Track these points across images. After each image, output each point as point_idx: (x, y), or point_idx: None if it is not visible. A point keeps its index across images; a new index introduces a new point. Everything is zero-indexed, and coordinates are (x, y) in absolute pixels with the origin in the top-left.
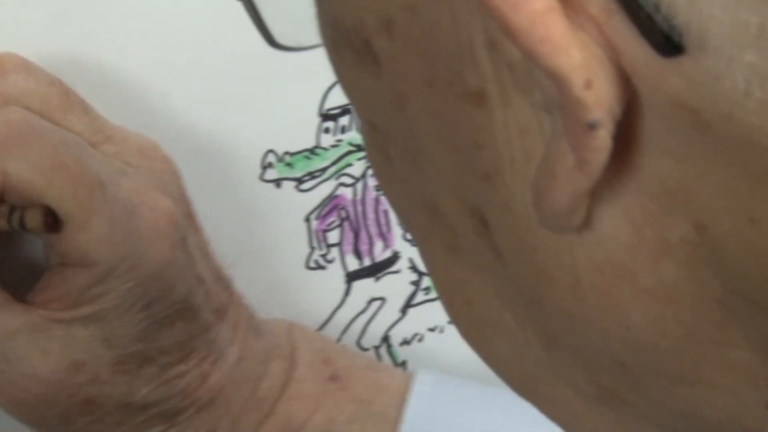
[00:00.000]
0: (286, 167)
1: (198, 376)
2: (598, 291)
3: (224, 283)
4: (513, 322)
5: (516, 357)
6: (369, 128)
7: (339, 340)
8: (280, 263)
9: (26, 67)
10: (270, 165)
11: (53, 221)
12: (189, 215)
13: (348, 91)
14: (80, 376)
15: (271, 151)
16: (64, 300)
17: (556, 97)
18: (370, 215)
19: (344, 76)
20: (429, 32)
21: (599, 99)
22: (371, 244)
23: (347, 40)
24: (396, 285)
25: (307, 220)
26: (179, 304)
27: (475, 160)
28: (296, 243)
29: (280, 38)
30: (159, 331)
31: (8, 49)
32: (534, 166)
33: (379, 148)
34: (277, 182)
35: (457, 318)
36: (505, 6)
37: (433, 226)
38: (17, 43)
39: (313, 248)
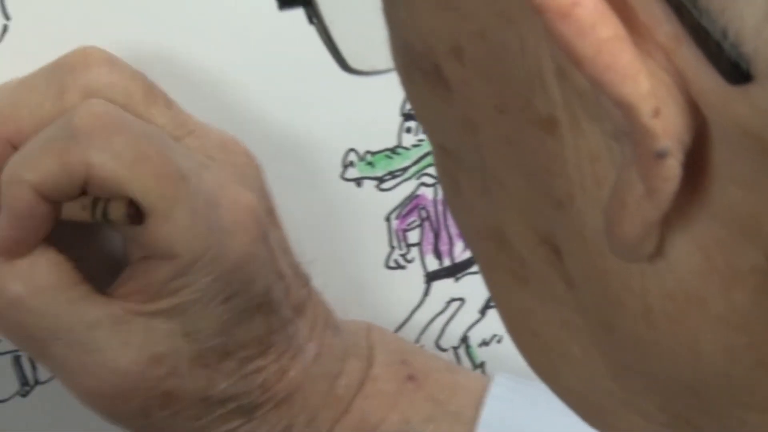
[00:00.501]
0: (367, 166)
1: (276, 371)
2: (669, 318)
3: (303, 279)
4: (580, 352)
5: (585, 387)
6: (440, 153)
7: (417, 340)
8: (359, 262)
9: (110, 60)
10: (351, 164)
11: (136, 213)
12: (270, 211)
13: (419, 114)
14: (160, 369)
15: (352, 149)
16: (146, 292)
17: (625, 126)
18: (451, 215)
19: (416, 100)
20: (498, 58)
21: (667, 127)
22: (451, 245)
23: (418, 64)
24: (475, 286)
25: (388, 219)
26: (259, 299)
27: (547, 186)
28: (376, 242)
29: (353, 62)
30: (239, 326)
31: (92, 42)
32: (605, 193)
33: (448, 173)
34: (358, 181)
35: (524, 348)
36: (572, 34)
37: (499, 255)
38: (101, 37)
39: (392, 248)
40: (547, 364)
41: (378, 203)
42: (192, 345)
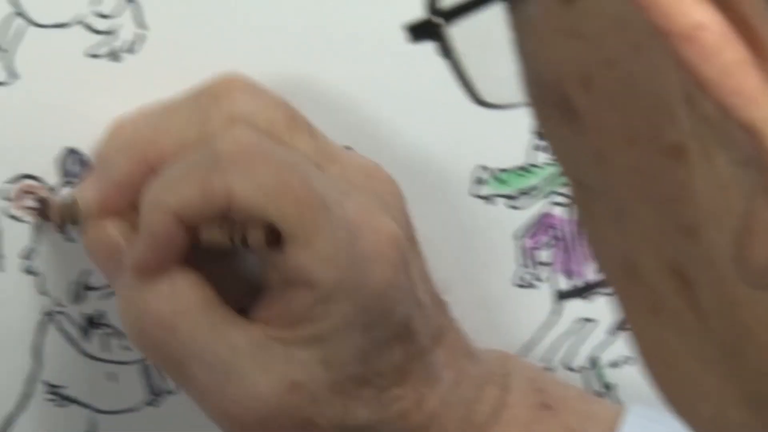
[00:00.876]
0: (498, 183)
1: (414, 400)
2: None
3: (442, 307)
4: (714, 383)
5: (719, 418)
6: (573, 185)
7: (547, 360)
8: (489, 280)
9: (253, 88)
10: (482, 181)
11: (276, 239)
12: (411, 239)
13: (551, 146)
14: (299, 396)
15: (483, 166)
16: (286, 319)
17: (751, 151)
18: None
19: (547, 132)
20: (627, 87)
21: None
22: (582, 264)
23: (548, 96)
24: (607, 306)
25: (518, 237)
26: (398, 327)
27: (677, 215)
28: (506, 260)
29: (484, 95)
30: (378, 354)
31: (235, 69)
32: (735, 222)
33: (581, 203)
34: (489, 198)
35: (657, 379)
36: (697, 57)
37: (632, 285)
38: (237, 49)
39: (522, 266)
40: (681, 395)
41: (508, 221)
42: (331, 373)
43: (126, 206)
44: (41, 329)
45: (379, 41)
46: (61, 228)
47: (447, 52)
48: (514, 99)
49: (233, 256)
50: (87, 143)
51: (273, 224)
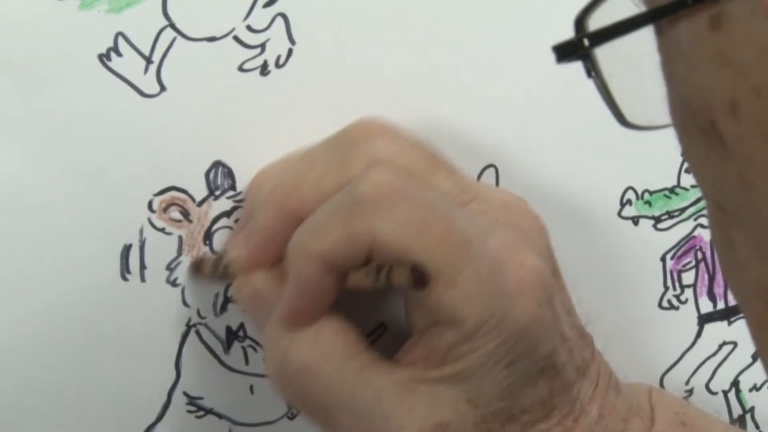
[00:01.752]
0: (644, 205)
1: None
2: None
3: (586, 340)
4: None
5: None
6: (714, 209)
7: (687, 382)
8: (633, 301)
9: (392, 131)
10: (629, 202)
11: (420, 278)
12: (556, 272)
13: (695, 170)
14: None
15: (631, 187)
16: (432, 359)
17: None
18: (721, 272)
19: (691, 156)
20: None
21: None
22: (726, 287)
23: (694, 120)
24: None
25: (663, 259)
26: (543, 362)
27: None
28: (650, 281)
29: (631, 117)
30: (522, 389)
31: (380, 83)
32: None
33: (722, 229)
34: (635, 220)
35: None
36: None
37: None
38: (389, 79)
39: (667, 288)
40: None
41: (654, 243)
42: (476, 410)
43: (274, 257)
44: (183, 340)
45: (529, 64)
46: (214, 281)
47: (593, 72)
48: (659, 121)
49: (374, 300)
50: (234, 156)
51: (417, 264)
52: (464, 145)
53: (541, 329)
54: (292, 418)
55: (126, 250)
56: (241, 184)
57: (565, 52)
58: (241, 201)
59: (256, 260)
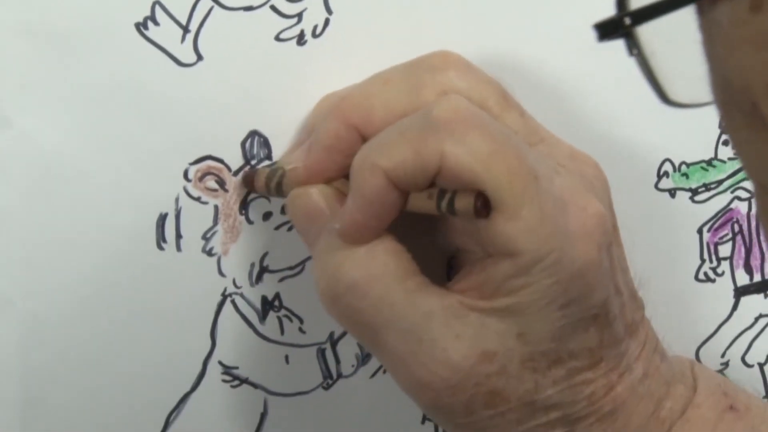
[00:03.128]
0: (681, 177)
1: (604, 386)
2: None
3: (638, 301)
4: None
5: None
6: (759, 190)
7: (723, 354)
8: (669, 273)
9: (467, 65)
10: (666, 174)
11: (483, 207)
12: (615, 225)
13: (739, 150)
14: (490, 366)
15: (668, 160)
16: (484, 289)
17: None
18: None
19: (734, 136)
20: None
21: None
22: (763, 260)
23: (736, 101)
24: None
25: (700, 231)
26: (596, 309)
27: None
28: (687, 254)
29: (672, 95)
30: (573, 334)
31: (411, 40)
32: None
33: (766, 207)
34: (672, 192)
35: None
36: None
37: None
38: (420, 35)
39: (703, 260)
40: None
41: (691, 215)
42: (524, 347)
43: (333, 173)
44: (218, 310)
45: (567, 36)
46: (266, 196)
47: (635, 49)
48: (700, 99)
49: (433, 226)
50: (270, 126)
51: (483, 192)
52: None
53: (597, 274)
54: (327, 388)
55: (162, 220)
56: (277, 153)
57: (606, 30)
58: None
59: (314, 173)
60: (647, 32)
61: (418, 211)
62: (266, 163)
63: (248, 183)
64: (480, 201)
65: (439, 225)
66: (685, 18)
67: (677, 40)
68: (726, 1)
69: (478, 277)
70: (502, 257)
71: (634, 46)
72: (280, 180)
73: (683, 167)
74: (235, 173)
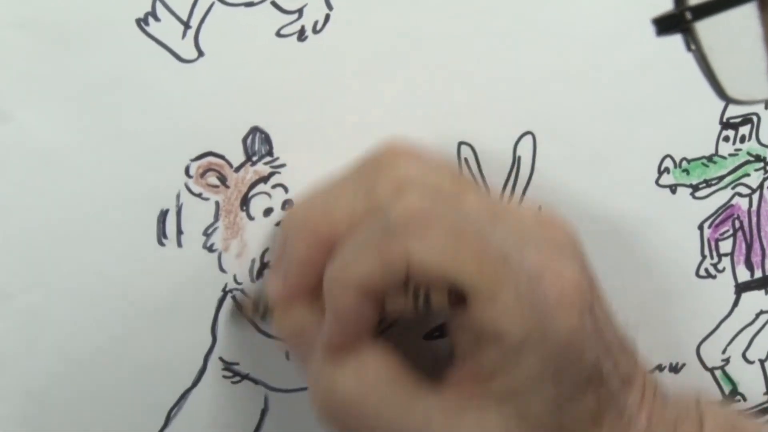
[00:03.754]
0: (682, 173)
1: None
2: None
3: (629, 350)
4: None
5: None
6: None
7: (724, 351)
8: (669, 269)
9: (416, 153)
10: (666, 170)
11: (459, 298)
12: (593, 281)
13: None
14: None
15: (668, 156)
16: (477, 377)
17: None
18: (765, 227)
19: None
20: None
21: None
22: (764, 256)
23: None
24: None
25: (700, 228)
26: (588, 371)
27: None
28: (688, 250)
29: (731, 91)
30: (570, 402)
31: (408, 36)
32: None
33: None
34: (673, 188)
35: None
36: None
37: None
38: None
39: (704, 257)
40: None
41: (691, 211)
42: (526, 426)
43: (313, 288)
44: (219, 306)
45: (568, 31)
46: (256, 322)
47: (693, 44)
48: (761, 95)
49: (417, 323)
50: (271, 122)
51: (455, 284)
52: (502, 112)
53: (583, 339)
54: None
55: (163, 215)
56: (279, 149)
57: (666, 24)
58: (278, 167)
59: (294, 293)
60: (705, 28)
61: (398, 313)
62: (253, 287)
63: (237, 312)
64: (454, 294)
65: (427, 316)
66: (746, 13)
67: (737, 34)
68: None
69: (471, 365)
70: (488, 343)
71: (692, 42)
72: (267, 305)
73: (684, 163)
74: (236, 169)
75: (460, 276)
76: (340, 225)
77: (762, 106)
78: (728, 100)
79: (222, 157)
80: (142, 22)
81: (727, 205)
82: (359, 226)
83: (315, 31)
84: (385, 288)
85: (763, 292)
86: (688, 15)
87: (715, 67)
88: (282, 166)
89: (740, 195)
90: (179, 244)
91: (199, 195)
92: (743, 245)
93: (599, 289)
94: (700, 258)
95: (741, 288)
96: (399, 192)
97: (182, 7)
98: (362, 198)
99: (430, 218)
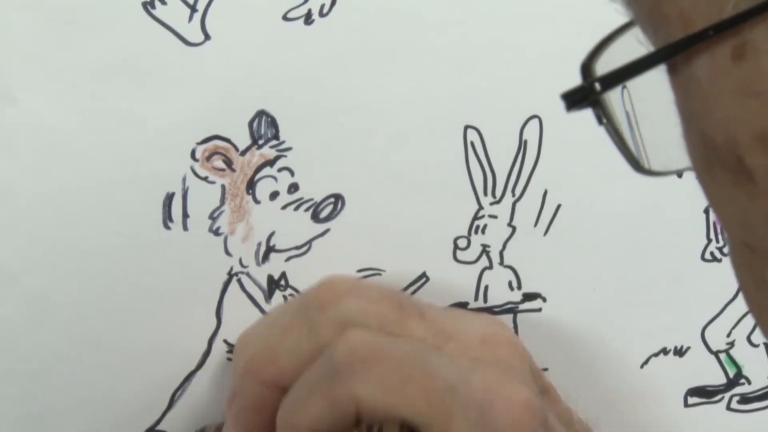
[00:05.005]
0: None
1: None
2: None
3: None
4: None
5: None
6: (743, 250)
7: (729, 334)
8: (675, 253)
9: (356, 288)
10: None
11: (411, 430)
12: (545, 390)
13: (719, 211)
14: None
15: None
16: None
17: None
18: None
19: (715, 197)
20: None
21: None
22: None
23: (719, 158)
24: None
25: (706, 211)
26: None
27: None
28: (693, 234)
29: (653, 163)
30: None
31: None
32: None
33: (752, 269)
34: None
35: None
36: None
37: None
38: (425, 51)
39: (710, 240)
40: None
41: (697, 195)
42: None
43: (269, 427)
44: (224, 289)
45: (573, 12)
46: None
47: (604, 118)
48: (676, 165)
49: None
50: (277, 105)
51: (405, 420)
52: (508, 95)
53: None
54: None
55: (169, 199)
56: (285, 133)
57: (575, 98)
58: (284, 150)
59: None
60: (616, 99)
61: None
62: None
63: None
64: (406, 429)
65: None
66: (655, 81)
67: (648, 103)
68: (703, 54)
69: None
70: None
71: (603, 116)
72: None
73: None
74: (243, 153)
75: (409, 413)
76: (286, 368)
77: None
78: (645, 173)
79: (228, 140)
80: (148, 6)
81: None
82: (307, 371)
83: (321, 14)
84: (338, 429)
85: None
86: (597, 86)
87: (628, 140)
88: (288, 149)
89: None
90: (185, 228)
91: (205, 178)
92: None
93: (553, 393)
94: (705, 241)
95: None
96: (342, 332)
97: None
98: (306, 339)
99: (374, 357)
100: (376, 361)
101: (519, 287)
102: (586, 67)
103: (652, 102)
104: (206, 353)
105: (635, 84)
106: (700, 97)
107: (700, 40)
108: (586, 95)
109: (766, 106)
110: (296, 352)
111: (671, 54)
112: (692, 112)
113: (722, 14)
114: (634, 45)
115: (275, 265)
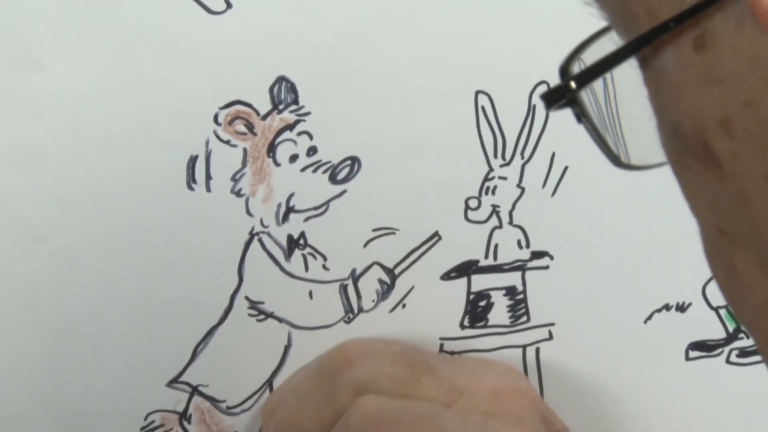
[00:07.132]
0: None
1: None
2: None
3: None
4: None
5: None
6: (713, 234)
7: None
8: (677, 210)
9: (369, 352)
10: None
11: None
12: (549, 422)
13: (692, 199)
14: None
15: None
16: None
17: None
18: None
19: (688, 185)
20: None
21: None
22: None
23: (688, 147)
24: None
25: None
26: None
27: None
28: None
29: (624, 158)
30: None
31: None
32: None
33: (722, 255)
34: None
35: None
36: None
37: None
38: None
39: None
40: None
41: None
42: None
43: None
44: (246, 248)
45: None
46: None
47: (583, 116)
48: (653, 160)
49: None
50: (297, 72)
51: None
52: (518, 61)
53: None
54: (348, 322)
55: (192, 161)
56: (304, 98)
57: (553, 98)
58: (303, 115)
59: None
60: (602, 99)
61: None
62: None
63: None
64: None
65: None
66: (629, 74)
67: (625, 102)
68: (668, 47)
69: None
70: None
71: (581, 114)
72: None
73: None
74: (263, 117)
75: None
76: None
77: None
78: (625, 168)
79: (249, 105)
80: None
81: None
82: None
83: None
84: None
85: None
86: (574, 84)
87: (613, 135)
88: (307, 114)
89: None
90: (208, 189)
91: (227, 142)
92: None
93: (559, 425)
94: None
95: None
96: (357, 397)
97: None
98: (326, 406)
99: (388, 420)
100: (391, 425)
101: (527, 246)
102: (564, 70)
103: (632, 100)
104: (228, 309)
105: (618, 84)
106: (669, 88)
107: (663, 32)
108: (563, 94)
109: (727, 91)
110: (317, 417)
111: (638, 47)
112: (663, 104)
113: (683, 6)
114: (611, 47)
115: (294, 225)
